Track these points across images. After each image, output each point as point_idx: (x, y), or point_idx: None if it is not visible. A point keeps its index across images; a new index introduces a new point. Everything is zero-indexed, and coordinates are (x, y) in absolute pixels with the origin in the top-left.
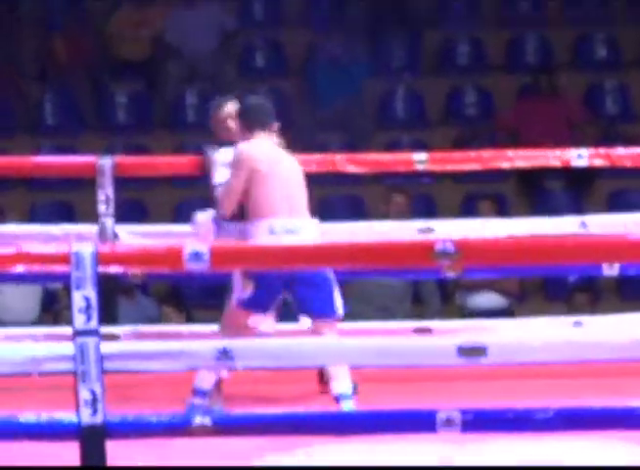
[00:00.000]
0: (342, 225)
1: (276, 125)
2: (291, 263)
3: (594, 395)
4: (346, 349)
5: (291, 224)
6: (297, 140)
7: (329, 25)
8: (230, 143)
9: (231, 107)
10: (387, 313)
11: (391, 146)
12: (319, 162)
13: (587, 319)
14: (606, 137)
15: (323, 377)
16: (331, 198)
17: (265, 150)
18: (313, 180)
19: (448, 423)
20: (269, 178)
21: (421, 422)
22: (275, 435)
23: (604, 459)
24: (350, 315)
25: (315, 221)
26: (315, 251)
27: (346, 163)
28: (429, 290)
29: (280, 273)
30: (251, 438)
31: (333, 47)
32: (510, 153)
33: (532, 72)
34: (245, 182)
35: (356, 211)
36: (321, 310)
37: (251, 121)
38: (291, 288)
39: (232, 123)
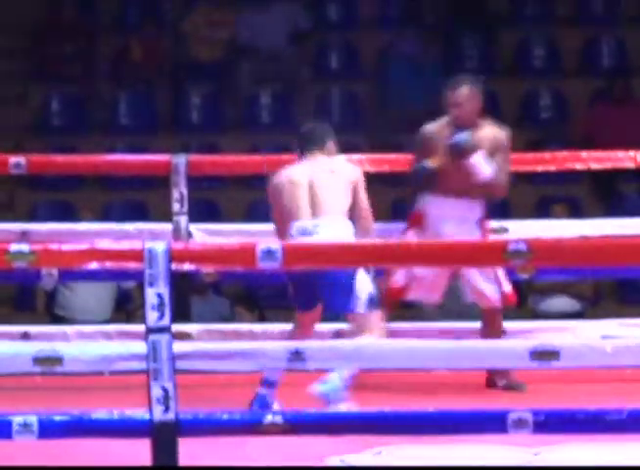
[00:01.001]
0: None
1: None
2: (360, 261)
3: None
4: (417, 351)
5: (307, 225)
6: (370, 141)
7: (403, 26)
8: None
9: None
10: (457, 316)
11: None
12: (393, 161)
13: None
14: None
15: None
16: (402, 198)
17: (283, 173)
18: (387, 181)
19: (520, 424)
20: (288, 190)
21: (492, 422)
22: (346, 434)
23: None
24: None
25: (344, 220)
26: (390, 250)
27: None
28: None
29: (303, 275)
30: (322, 437)
31: (407, 47)
32: (583, 154)
33: (607, 76)
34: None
35: None
36: (338, 306)
37: (295, 148)
38: (318, 288)
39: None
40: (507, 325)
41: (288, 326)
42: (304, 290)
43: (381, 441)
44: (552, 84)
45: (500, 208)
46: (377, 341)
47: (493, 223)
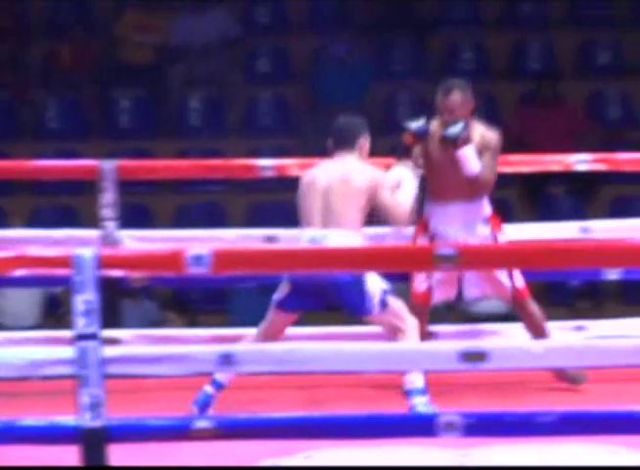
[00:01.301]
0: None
1: (360, 142)
2: (291, 267)
3: (596, 399)
4: (348, 354)
5: (315, 235)
6: (301, 144)
7: (333, 28)
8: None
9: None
10: None
11: (394, 150)
12: None
13: (589, 324)
14: (609, 144)
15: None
16: None
17: (309, 172)
18: None
19: (449, 427)
20: (308, 194)
21: (421, 426)
22: (275, 439)
23: (605, 462)
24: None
25: (352, 234)
26: (319, 255)
27: None
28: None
29: (312, 279)
30: (252, 441)
31: (337, 50)
32: (512, 157)
33: (535, 79)
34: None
35: None
36: (354, 311)
37: (332, 141)
38: (324, 294)
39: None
40: (438, 328)
41: (219, 331)
42: (305, 293)
43: (311, 444)
44: (481, 87)
45: None
46: (308, 344)
47: None
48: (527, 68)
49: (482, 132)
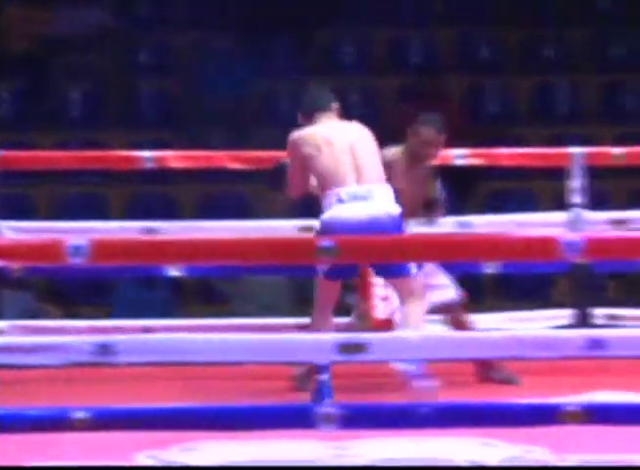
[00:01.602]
0: (226, 223)
1: (333, 106)
2: (170, 259)
3: (472, 392)
4: (229, 345)
5: (359, 191)
6: (181, 137)
7: (214, 23)
8: None
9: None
10: (270, 311)
11: (274, 144)
12: (202, 158)
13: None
14: (488, 139)
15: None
16: (214, 195)
17: (316, 131)
18: (196, 177)
19: (327, 419)
20: (325, 154)
21: (299, 417)
22: (152, 429)
23: (479, 455)
24: (233, 313)
25: (387, 187)
26: (200, 246)
27: (229, 159)
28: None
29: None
30: (129, 432)
31: (218, 45)
32: None
33: (416, 73)
34: (300, 164)
35: (239, 208)
36: (395, 271)
37: (305, 110)
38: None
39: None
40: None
41: (97, 322)
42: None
43: (189, 436)
44: (361, 81)
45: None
46: (187, 336)
47: (300, 222)
48: (408, 62)
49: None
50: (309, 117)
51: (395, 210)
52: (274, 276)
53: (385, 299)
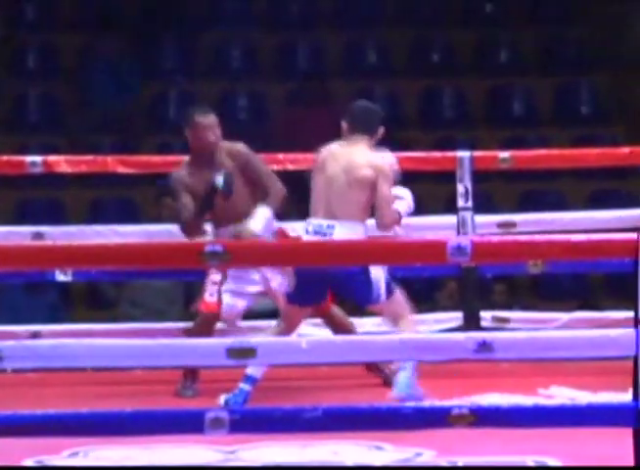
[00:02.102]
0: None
1: (378, 130)
2: (59, 263)
3: (361, 395)
4: (116, 350)
5: (322, 225)
6: (69, 142)
7: (102, 26)
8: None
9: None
10: (159, 316)
11: (164, 148)
12: (90, 162)
13: (355, 321)
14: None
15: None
16: (103, 199)
17: (329, 148)
18: (84, 181)
19: (217, 423)
20: (315, 181)
21: (190, 422)
22: (42, 435)
23: (366, 458)
24: (121, 318)
25: (353, 224)
26: (92, 252)
27: (117, 164)
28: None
29: (315, 271)
30: (17, 438)
31: (105, 48)
32: (280, 156)
33: (303, 78)
34: None
35: (128, 213)
36: (362, 300)
37: (349, 125)
38: (330, 285)
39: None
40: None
41: None
42: (312, 286)
43: (78, 442)
44: (249, 85)
45: None
46: (74, 341)
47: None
48: (295, 67)
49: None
50: (347, 131)
51: None
52: (165, 281)
53: (216, 283)
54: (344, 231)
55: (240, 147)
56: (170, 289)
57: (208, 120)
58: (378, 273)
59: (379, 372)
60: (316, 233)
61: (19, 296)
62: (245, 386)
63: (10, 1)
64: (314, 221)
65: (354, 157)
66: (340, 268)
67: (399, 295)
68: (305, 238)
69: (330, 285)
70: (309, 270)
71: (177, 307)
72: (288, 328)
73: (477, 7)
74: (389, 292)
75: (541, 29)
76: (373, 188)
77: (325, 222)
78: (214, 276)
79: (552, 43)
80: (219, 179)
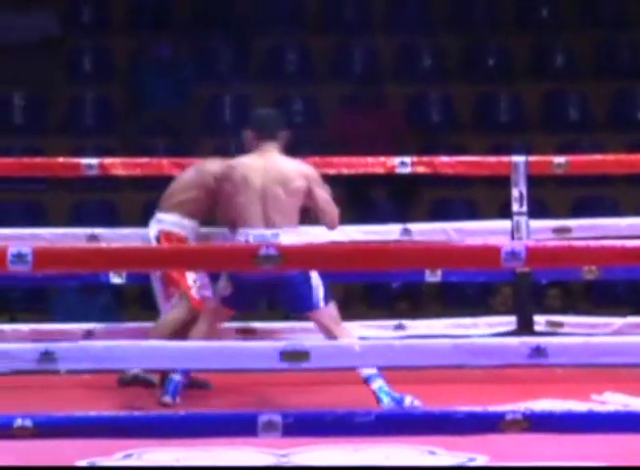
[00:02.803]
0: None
1: (282, 134)
2: (113, 266)
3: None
4: (171, 351)
5: (264, 234)
6: (123, 144)
7: (155, 29)
8: None
9: None
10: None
11: (218, 151)
12: (145, 165)
13: (410, 323)
14: (430, 147)
15: None
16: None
17: (245, 163)
18: (138, 185)
19: (270, 426)
20: (242, 192)
21: (242, 425)
22: (96, 437)
23: (421, 463)
24: None
25: (294, 230)
26: (145, 254)
27: (173, 166)
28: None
29: (259, 277)
30: (72, 439)
31: (158, 50)
32: (335, 159)
33: (358, 81)
34: (220, 194)
35: None
36: (302, 307)
37: (254, 134)
38: (271, 290)
39: None
40: (258, 325)
41: (37, 326)
42: (249, 292)
43: (131, 444)
44: (303, 88)
45: None
46: (127, 342)
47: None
48: (350, 70)
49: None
50: (255, 139)
51: None
52: None
53: (194, 281)
54: (291, 237)
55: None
56: None
57: None
58: (317, 280)
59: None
60: (262, 242)
61: (73, 298)
62: (176, 376)
63: (65, 4)
64: (254, 232)
65: (283, 168)
66: (283, 274)
67: (334, 307)
68: None
69: (269, 291)
70: (249, 275)
71: None
72: (215, 330)
73: (532, 11)
74: (326, 299)
75: (596, 34)
76: (306, 195)
77: (268, 232)
78: (190, 276)
79: (607, 47)
80: None
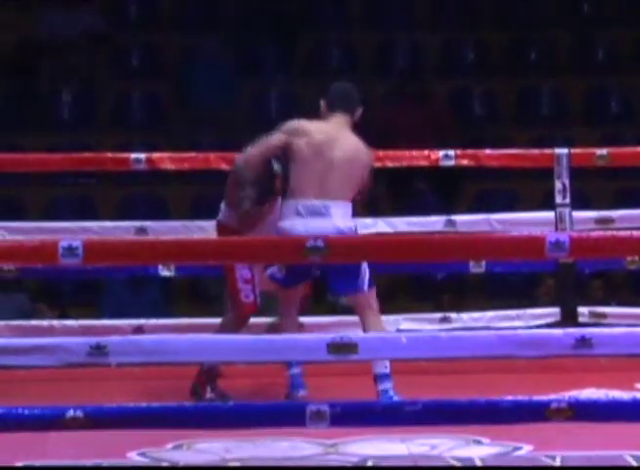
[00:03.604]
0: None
1: (357, 110)
2: (162, 259)
3: (461, 390)
4: (220, 345)
5: (316, 206)
6: (170, 140)
7: (203, 26)
8: None
9: None
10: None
11: None
12: (192, 159)
13: (455, 316)
14: (473, 141)
15: None
16: (205, 195)
17: (317, 129)
18: (186, 178)
19: (318, 416)
20: (310, 158)
21: (290, 415)
22: (147, 427)
23: (467, 453)
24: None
25: (346, 204)
26: (190, 246)
27: (220, 160)
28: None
29: None
30: (124, 430)
31: (206, 47)
32: (380, 153)
33: (402, 76)
34: (280, 150)
35: None
36: (345, 288)
37: (328, 103)
38: (321, 269)
39: None
40: (305, 319)
41: (89, 322)
42: (302, 271)
43: (181, 434)
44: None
45: None
46: (178, 336)
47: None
48: (394, 65)
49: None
50: (328, 110)
51: (348, 226)
52: None
53: (248, 281)
54: (340, 211)
55: None
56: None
57: None
58: (365, 264)
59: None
60: (312, 214)
61: (123, 291)
62: (294, 369)
63: (113, 1)
64: (305, 202)
65: (357, 147)
66: None
67: (374, 291)
68: (298, 221)
69: (320, 269)
70: None
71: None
72: (288, 313)
73: (573, 6)
74: (370, 284)
75: (637, 29)
76: (363, 178)
77: (319, 203)
78: (244, 273)
79: None
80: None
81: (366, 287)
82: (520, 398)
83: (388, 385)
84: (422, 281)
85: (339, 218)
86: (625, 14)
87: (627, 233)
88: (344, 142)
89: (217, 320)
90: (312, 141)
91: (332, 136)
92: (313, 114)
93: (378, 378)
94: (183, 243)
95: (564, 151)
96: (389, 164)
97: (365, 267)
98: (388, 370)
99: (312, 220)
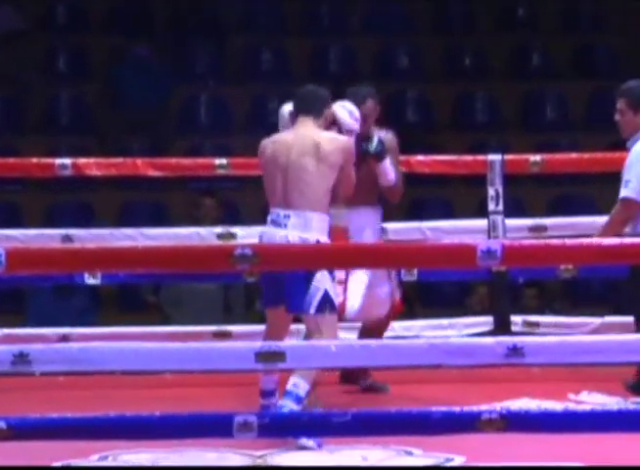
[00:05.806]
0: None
1: (323, 109)
2: (88, 267)
3: (392, 401)
4: (145, 353)
5: (280, 216)
6: (99, 144)
7: (134, 29)
8: None
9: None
10: (197, 318)
11: (194, 151)
12: (120, 165)
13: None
14: (407, 147)
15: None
16: (132, 202)
17: (277, 140)
18: (113, 185)
19: (245, 427)
20: (270, 167)
21: (218, 426)
22: (72, 438)
23: (397, 463)
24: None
25: (312, 214)
26: (117, 254)
27: (148, 166)
28: (234, 295)
29: (275, 274)
30: (48, 441)
31: (137, 50)
32: None
33: (335, 82)
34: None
35: (158, 216)
36: (292, 306)
37: (293, 111)
38: (284, 285)
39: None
40: (233, 328)
41: (13, 330)
42: (271, 287)
43: (105, 445)
44: (280, 89)
45: (229, 211)
46: (103, 344)
47: (219, 228)
48: (327, 70)
49: (387, 137)
50: (294, 116)
51: (304, 237)
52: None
53: (340, 282)
54: (299, 221)
55: (390, 136)
56: (211, 292)
57: (362, 110)
58: (321, 284)
59: (356, 381)
60: (274, 224)
61: (49, 299)
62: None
63: (41, 3)
64: (272, 212)
65: (315, 139)
66: (294, 274)
67: (334, 320)
68: (268, 229)
69: (281, 286)
70: (269, 273)
71: (217, 311)
72: (272, 333)
73: (510, 12)
74: (323, 308)
75: (575, 36)
76: (339, 173)
77: (283, 212)
78: (339, 274)
79: (585, 49)
80: (374, 143)
81: (313, 310)
82: (451, 408)
83: (293, 407)
84: None
85: (294, 229)
86: (561, 20)
87: (560, 241)
88: (302, 143)
89: (147, 329)
90: (268, 153)
91: (287, 143)
92: (243, 119)
93: (288, 395)
94: (109, 251)
95: (497, 157)
96: None
97: (318, 288)
98: (304, 393)
99: (271, 230)
